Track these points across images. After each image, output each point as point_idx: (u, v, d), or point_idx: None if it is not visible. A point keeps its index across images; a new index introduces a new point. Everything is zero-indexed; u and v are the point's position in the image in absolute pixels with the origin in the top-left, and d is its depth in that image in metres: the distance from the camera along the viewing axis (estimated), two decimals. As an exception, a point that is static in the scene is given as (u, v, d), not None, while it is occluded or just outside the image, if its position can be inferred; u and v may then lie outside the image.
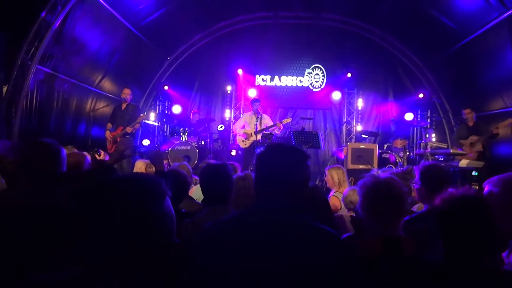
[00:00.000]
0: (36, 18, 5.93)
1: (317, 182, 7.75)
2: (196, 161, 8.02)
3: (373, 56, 9.89)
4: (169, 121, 10.22)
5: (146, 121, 9.52)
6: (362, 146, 7.63)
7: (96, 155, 5.53)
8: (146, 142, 9.31)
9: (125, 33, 8.11)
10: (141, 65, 9.49)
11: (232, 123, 10.26)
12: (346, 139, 10.18)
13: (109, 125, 7.47)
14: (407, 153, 7.83)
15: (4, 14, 5.49)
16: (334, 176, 4.35)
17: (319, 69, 10.22)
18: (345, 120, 10.28)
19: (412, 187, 2.92)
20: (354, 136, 9.99)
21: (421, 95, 9.54)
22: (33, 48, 6.10)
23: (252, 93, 9.91)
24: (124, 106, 7.50)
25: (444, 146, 8.06)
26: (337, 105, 10.40)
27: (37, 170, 1.79)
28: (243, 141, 8.11)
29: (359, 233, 2.00)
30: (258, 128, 7.89)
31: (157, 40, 9.17)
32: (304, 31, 10.02)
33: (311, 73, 10.25)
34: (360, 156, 7.30)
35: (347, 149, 7.58)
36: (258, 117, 7.97)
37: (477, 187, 5.88)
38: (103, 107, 8.27)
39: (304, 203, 1.48)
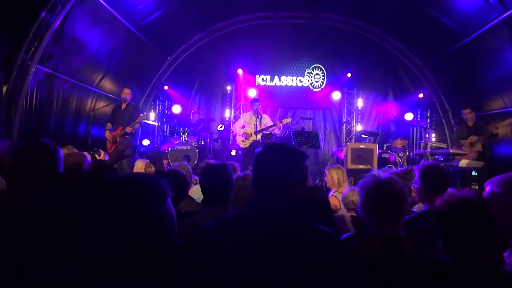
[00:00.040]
0: (36, 18, 5.93)
1: (317, 182, 7.75)
2: (196, 161, 8.02)
3: (373, 56, 9.89)
4: (169, 121, 10.22)
5: (146, 121, 9.52)
6: (362, 146, 7.63)
7: (96, 155, 5.53)
8: (146, 142, 9.31)
9: (125, 33, 8.11)
10: (141, 65, 9.49)
11: (232, 123, 10.26)
12: (346, 139, 10.18)
13: (109, 125, 7.47)
14: (407, 153, 7.83)
15: (4, 14, 5.48)
16: (333, 176, 4.35)
17: (319, 69, 10.22)
18: (345, 120, 10.28)
19: (412, 187, 2.92)
20: (354, 136, 9.99)
21: (421, 95, 9.54)
22: (33, 48, 6.10)
23: (252, 93, 9.91)
24: (124, 106, 7.49)
25: (444, 146, 8.07)
26: (337, 105, 10.40)
27: (32, 170, 1.79)
28: (243, 141, 8.11)
29: (360, 233, 2.00)
30: (258, 128, 7.89)
31: (157, 40, 9.17)
32: (304, 31, 10.02)
33: (311, 73, 10.25)
34: (360, 156, 7.30)
35: (347, 149, 7.58)
36: (258, 117, 7.97)
37: (476, 187, 5.90)
38: (103, 107, 8.26)
39: (304, 203, 1.48)
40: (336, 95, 10.02)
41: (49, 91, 6.93)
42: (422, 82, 9.91)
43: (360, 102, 10.30)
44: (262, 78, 10.33)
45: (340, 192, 4.08)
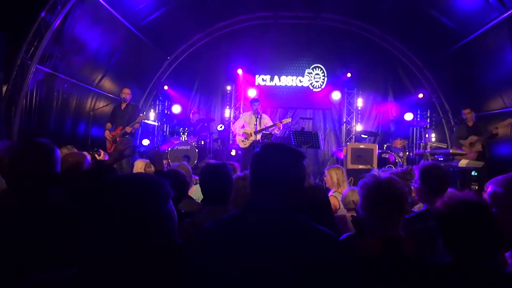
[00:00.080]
0: (36, 17, 5.93)
1: (316, 181, 7.75)
2: (195, 161, 8.02)
3: (373, 56, 9.89)
4: (169, 121, 10.22)
5: (146, 121, 9.52)
6: (361, 146, 7.63)
7: (96, 155, 5.53)
8: (145, 142, 9.31)
9: (124, 33, 8.11)
10: (141, 65, 9.49)
11: (231, 123, 10.26)
12: (345, 139, 10.18)
13: (109, 125, 7.46)
14: (407, 153, 7.84)
15: (4, 14, 5.48)
16: (333, 176, 4.35)
17: (320, 69, 10.22)
18: (344, 120, 10.28)
19: (412, 187, 2.92)
20: (353, 136, 10.00)
21: (420, 95, 9.54)
22: (33, 48, 6.10)
23: (252, 93, 9.91)
24: (123, 105, 7.49)
25: (444, 146, 8.07)
26: (337, 105, 10.40)
27: (29, 170, 1.79)
28: (242, 141, 8.11)
29: (360, 233, 1.99)
30: (258, 128, 7.90)
31: (156, 40, 9.17)
32: (304, 31, 10.02)
33: (311, 73, 10.25)
34: (360, 156, 7.30)
35: (346, 149, 7.58)
36: (257, 117, 7.97)
37: (476, 187, 5.90)
38: (103, 107, 8.26)
39: (304, 202, 1.48)
40: (336, 95, 10.02)
41: (49, 91, 6.93)
42: (422, 82, 9.91)
43: (360, 102, 10.30)
44: (262, 78, 10.33)
45: (340, 192, 4.08)
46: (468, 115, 7.40)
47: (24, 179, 1.79)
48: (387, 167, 7.19)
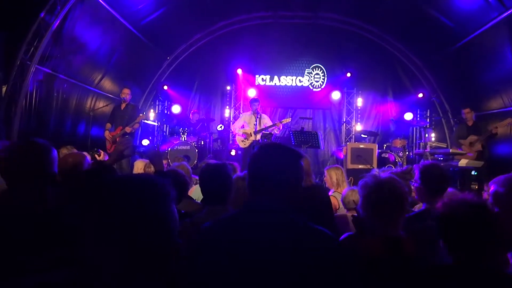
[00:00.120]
0: (36, 18, 5.92)
1: (317, 181, 7.75)
2: (195, 161, 8.02)
3: (373, 56, 9.90)
4: (169, 121, 10.22)
5: (146, 121, 9.52)
6: (361, 146, 7.62)
7: (96, 155, 5.52)
8: (145, 142, 9.31)
9: (124, 33, 8.10)
10: (141, 64, 9.49)
11: (231, 122, 10.26)
12: (345, 138, 10.18)
13: (108, 125, 7.46)
14: (407, 152, 7.83)
15: (3, 14, 5.48)
16: (332, 176, 4.35)
17: (320, 69, 10.22)
18: (344, 120, 10.28)
19: (412, 187, 2.92)
20: (353, 136, 10.00)
21: (420, 95, 9.55)
22: (32, 48, 6.09)
23: (252, 92, 9.91)
24: (123, 106, 7.49)
25: (444, 145, 8.07)
26: (337, 105, 10.40)
27: (25, 170, 1.79)
28: (242, 141, 8.11)
29: (360, 233, 1.99)
30: (258, 128, 7.90)
31: (156, 39, 9.17)
32: (303, 30, 10.03)
33: (311, 72, 10.25)
34: (360, 155, 7.30)
35: (346, 149, 7.58)
36: (257, 117, 7.98)
37: (476, 187, 5.89)
38: (102, 107, 8.26)
39: (304, 202, 1.48)
40: (336, 95, 10.03)
41: (49, 91, 6.93)
42: (421, 82, 9.91)
43: (359, 102, 10.30)
44: (262, 78, 10.33)
45: (339, 192, 4.09)
46: (468, 114, 7.41)
47: (21, 179, 1.79)
48: (387, 166, 7.19)
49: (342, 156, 8.23)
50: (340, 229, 2.77)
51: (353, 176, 5.97)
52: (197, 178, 3.93)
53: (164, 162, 6.66)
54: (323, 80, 10.20)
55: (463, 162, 6.44)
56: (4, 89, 5.91)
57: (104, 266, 0.95)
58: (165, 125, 10.31)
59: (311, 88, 10.25)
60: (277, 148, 1.54)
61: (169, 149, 8.14)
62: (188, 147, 8.20)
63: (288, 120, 8.35)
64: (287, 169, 1.47)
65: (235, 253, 1.34)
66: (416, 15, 8.21)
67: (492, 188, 2.00)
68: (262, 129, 7.91)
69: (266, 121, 8.17)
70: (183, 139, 8.39)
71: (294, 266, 1.28)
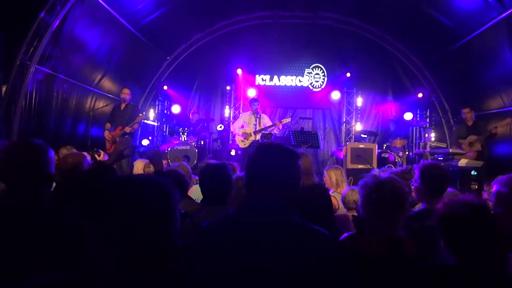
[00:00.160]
0: (35, 18, 5.92)
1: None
2: (195, 161, 8.02)
3: (373, 56, 9.90)
4: (169, 121, 10.22)
5: (146, 121, 9.52)
6: (361, 146, 7.63)
7: (96, 155, 5.52)
8: (145, 142, 9.31)
9: (124, 33, 8.10)
10: (140, 64, 9.49)
11: (231, 122, 10.25)
12: (345, 138, 10.18)
13: (108, 125, 7.46)
14: (407, 152, 7.84)
15: (3, 14, 5.48)
16: (332, 176, 4.36)
17: (320, 69, 10.22)
18: (344, 120, 10.28)
19: (412, 186, 2.92)
20: (353, 136, 10.00)
21: (420, 95, 9.54)
22: (32, 48, 6.09)
23: (252, 92, 9.91)
24: (123, 106, 7.48)
25: (443, 145, 8.07)
26: (337, 105, 10.40)
27: (22, 170, 1.79)
28: (242, 141, 8.11)
29: (361, 233, 2.00)
30: (257, 128, 7.90)
31: (156, 39, 9.17)
32: (303, 30, 10.02)
33: (311, 72, 10.24)
34: (360, 155, 7.30)
35: (346, 149, 7.58)
36: (257, 117, 7.98)
37: (476, 187, 5.90)
38: (102, 107, 8.26)
39: (304, 202, 1.48)
40: (336, 95, 10.02)
41: (49, 91, 6.92)
42: (421, 82, 9.91)
43: (359, 102, 10.30)
44: (262, 78, 10.33)
45: (339, 192, 4.10)
46: (468, 114, 7.41)
47: (18, 180, 1.79)
48: (387, 166, 7.20)
49: (342, 156, 8.23)
50: (340, 229, 2.78)
51: (353, 176, 5.97)
52: (197, 178, 3.93)
53: (164, 162, 6.66)
54: (323, 80, 10.20)
55: (462, 162, 6.45)
56: (4, 89, 5.91)
57: (104, 266, 0.95)
58: (165, 125, 10.30)
59: (311, 88, 10.25)
60: (274, 148, 1.54)
61: (169, 149, 8.14)
62: (188, 147, 8.20)
63: (288, 120, 8.35)
64: (284, 169, 1.47)
65: (235, 253, 1.34)
66: (416, 15, 8.21)
67: (494, 188, 2.00)
68: (262, 129, 7.91)
69: (266, 121, 8.17)
70: (183, 139, 8.39)
71: (293, 266, 1.29)
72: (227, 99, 10.69)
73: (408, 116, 9.35)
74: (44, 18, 6.02)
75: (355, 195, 3.36)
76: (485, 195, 4.66)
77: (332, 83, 10.12)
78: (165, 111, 10.66)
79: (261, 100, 8.72)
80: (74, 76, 7.49)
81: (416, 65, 9.91)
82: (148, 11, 8.11)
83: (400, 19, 8.87)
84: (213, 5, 8.94)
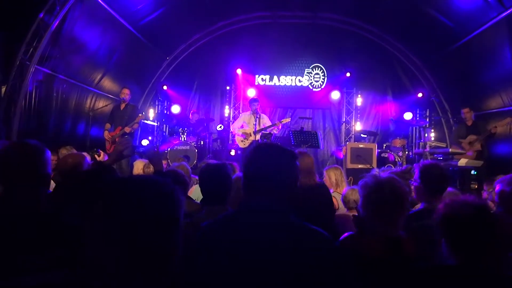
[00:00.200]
0: (35, 18, 5.92)
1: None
2: (195, 161, 8.02)
3: (372, 55, 9.90)
4: (168, 121, 10.22)
5: (145, 121, 9.52)
6: (361, 146, 7.63)
7: (96, 156, 5.52)
8: (145, 142, 9.31)
9: (123, 33, 8.10)
10: (140, 65, 9.49)
11: (231, 122, 10.25)
12: (345, 138, 10.18)
13: (108, 125, 7.46)
14: (406, 152, 7.84)
15: (3, 14, 5.48)
16: (331, 176, 4.36)
17: (319, 69, 10.22)
18: (344, 120, 10.28)
19: (412, 186, 2.92)
20: (353, 136, 10.00)
21: (420, 95, 9.55)
22: (32, 49, 6.09)
23: (251, 92, 9.91)
24: (123, 106, 7.48)
25: (443, 145, 8.08)
26: (336, 105, 10.40)
27: (18, 170, 1.79)
28: (242, 141, 8.12)
29: (361, 233, 2.00)
30: (257, 128, 7.90)
31: (156, 39, 9.17)
32: (303, 30, 10.02)
33: (311, 72, 10.25)
34: (359, 155, 7.30)
35: (346, 149, 7.58)
36: (256, 117, 7.98)
37: (476, 186, 5.91)
38: (102, 107, 8.26)
39: (302, 202, 1.48)
40: (335, 95, 10.03)
41: (48, 91, 6.92)
42: (421, 82, 9.92)
43: (359, 102, 10.30)
44: (262, 78, 10.33)
45: (339, 192, 4.10)
46: (467, 114, 7.41)
47: (15, 181, 1.79)
48: (387, 166, 7.20)
49: (341, 156, 8.24)
50: (340, 228, 2.78)
51: (353, 176, 5.97)
52: (196, 178, 3.93)
53: (164, 162, 6.67)
54: (322, 80, 10.20)
55: (462, 162, 6.45)
56: (3, 89, 5.91)
57: (104, 266, 0.95)
58: (164, 125, 10.30)
59: (311, 88, 10.25)
60: (271, 148, 1.55)
61: (169, 149, 8.14)
62: (188, 147, 8.20)
63: (288, 120, 8.35)
64: (283, 169, 1.47)
65: (234, 253, 1.34)
66: (415, 15, 8.21)
67: (497, 187, 2.00)
68: (262, 129, 7.91)
69: (266, 121, 8.17)
70: (182, 139, 8.39)
71: (293, 266, 1.29)
72: (227, 99, 10.69)
73: (408, 116, 9.35)
74: (44, 18, 6.02)
75: (355, 195, 3.36)
76: (484, 194, 4.66)
77: (332, 83, 10.12)
78: (165, 111, 10.66)
79: (260, 100, 8.72)
80: (74, 76, 7.48)
81: (416, 65, 9.91)
82: (147, 11, 8.11)
83: (399, 19, 8.88)
84: (212, 5, 8.93)
